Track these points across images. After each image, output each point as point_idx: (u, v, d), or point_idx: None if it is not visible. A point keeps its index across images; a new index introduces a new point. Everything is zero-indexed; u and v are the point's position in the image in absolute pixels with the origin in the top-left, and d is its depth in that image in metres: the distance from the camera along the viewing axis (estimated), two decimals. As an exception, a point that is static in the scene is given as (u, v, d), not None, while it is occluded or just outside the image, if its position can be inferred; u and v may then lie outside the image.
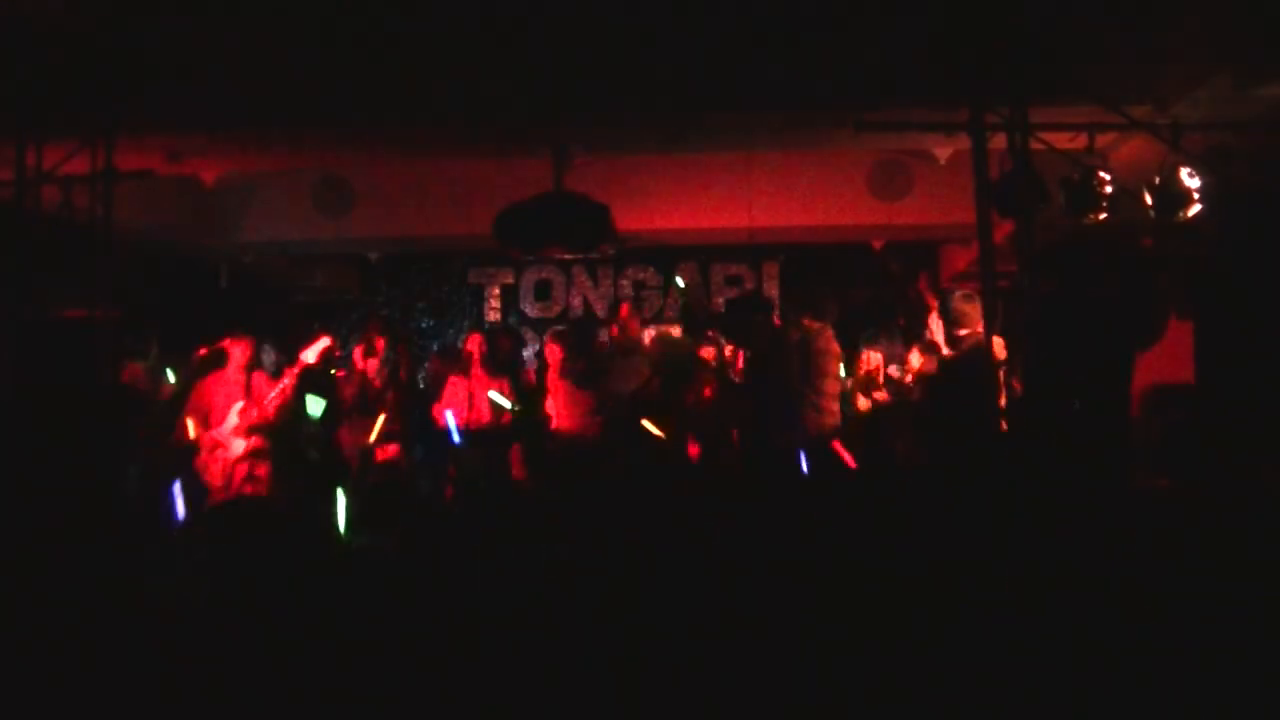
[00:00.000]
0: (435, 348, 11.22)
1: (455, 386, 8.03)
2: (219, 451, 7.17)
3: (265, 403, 7.21)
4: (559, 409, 7.73)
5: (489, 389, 7.94)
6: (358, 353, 8.24)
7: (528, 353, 10.55)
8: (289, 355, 7.70)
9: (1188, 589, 4.01)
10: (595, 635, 3.88)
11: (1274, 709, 3.43)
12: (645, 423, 7.47)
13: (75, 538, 5.21)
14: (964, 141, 6.27)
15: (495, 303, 11.76)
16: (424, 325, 11.73)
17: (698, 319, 9.01)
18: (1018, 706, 3.51)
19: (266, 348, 7.83)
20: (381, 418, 7.65)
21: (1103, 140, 6.28)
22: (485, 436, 7.89)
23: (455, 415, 7.81)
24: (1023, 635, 3.81)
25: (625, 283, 11.52)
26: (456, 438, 7.57)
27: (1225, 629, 3.74)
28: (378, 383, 8.03)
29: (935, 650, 3.71)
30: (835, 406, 6.97)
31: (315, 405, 7.19)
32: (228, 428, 7.19)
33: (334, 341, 7.70)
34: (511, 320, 11.52)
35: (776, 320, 7.53)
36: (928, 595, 4.00)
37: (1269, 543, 4.37)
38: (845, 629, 3.86)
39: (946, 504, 5.02)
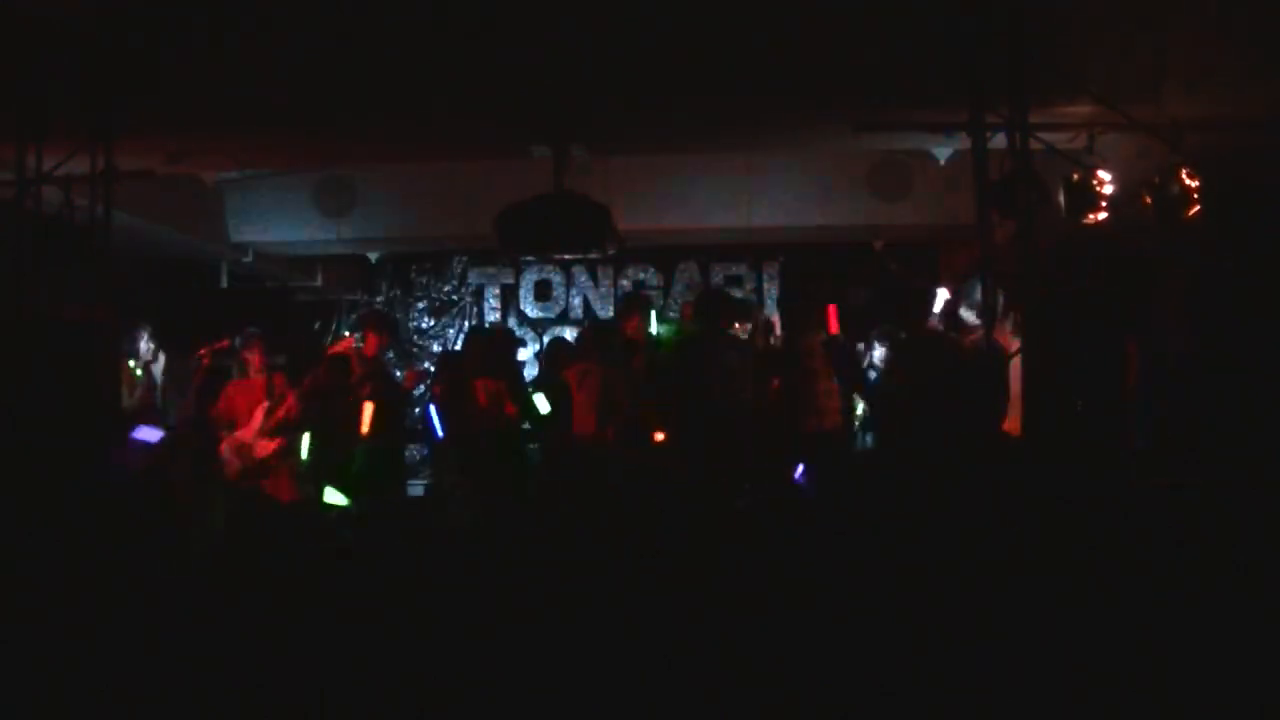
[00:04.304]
0: (435, 348, 11.27)
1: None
2: (244, 452, 7.27)
3: (285, 400, 7.28)
4: (579, 415, 7.66)
5: (488, 389, 7.93)
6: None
7: (527, 353, 10.54)
8: (290, 354, 7.76)
9: (1187, 588, 4.01)
10: (592, 636, 3.88)
11: (1274, 709, 3.43)
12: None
13: (76, 535, 5.21)
14: (964, 141, 6.27)
15: (495, 303, 11.76)
16: (424, 325, 11.74)
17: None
18: (1018, 705, 3.51)
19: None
20: (369, 407, 7.58)
21: (1103, 140, 6.28)
22: (484, 437, 7.88)
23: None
24: (1023, 634, 3.81)
25: (625, 283, 11.52)
26: (440, 433, 7.56)
27: (1225, 628, 3.74)
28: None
29: (934, 650, 3.71)
30: (831, 405, 7.03)
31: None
32: (252, 429, 7.28)
33: (353, 339, 7.76)
34: (511, 320, 11.52)
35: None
36: (928, 595, 4.00)
37: (1269, 543, 4.37)
38: (843, 629, 3.86)
39: (947, 503, 5.02)
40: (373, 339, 8.02)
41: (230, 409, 7.41)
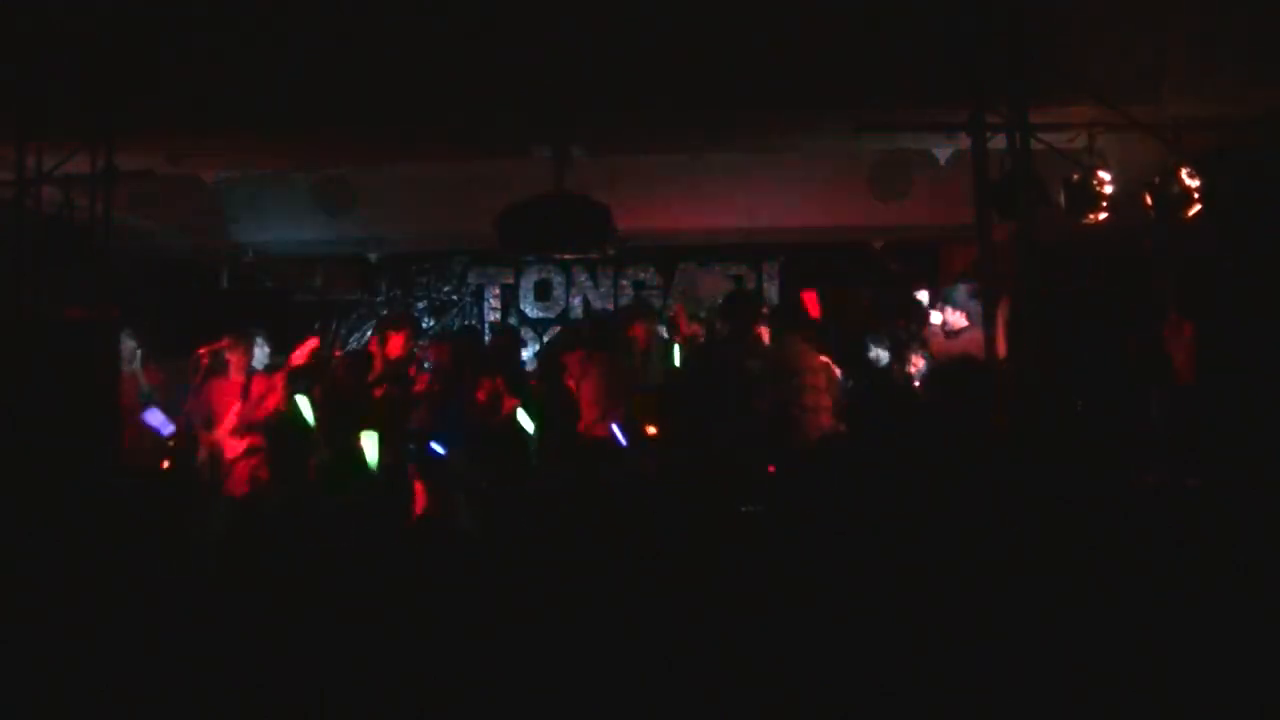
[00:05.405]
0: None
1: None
2: (215, 450, 7.25)
3: (259, 402, 7.26)
4: (583, 410, 7.65)
5: (486, 388, 7.92)
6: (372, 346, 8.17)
7: (526, 353, 10.53)
8: (284, 355, 7.74)
9: (1187, 589, 4.01)
10: (592, 636, 3.88)
11: (1274, 709, 3.43)
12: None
13: (76, 535, 5.21)
14: (964, 141, 6.28)
15: (495, 303, 11.75)
16: (424, 325, 11.73)
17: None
18: (1017, 705, 3.51)
19: (260, 342, 7.82)
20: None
21: (1103, 140, 6.29)
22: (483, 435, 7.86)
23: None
24: (1022, 634, 3.81)
25: (625, 283, 11.52)
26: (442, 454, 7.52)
27: (1225, 628, 3.74)
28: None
29: (934, 650, 3.71)
30: (819, 419, 6.99)
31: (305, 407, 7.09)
32: (224, 429, 7.26)
33: (322, 341, 7.68)
34: (511, 320, 11.52)
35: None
36: (927, 595, 4.00)
37: (1269, 543, 4.37)
38: (843, 629, 3.85)
39: (946, 503, 5.01)
40: (396, 340, 7.94)
41: (207, 407, 7.37)
